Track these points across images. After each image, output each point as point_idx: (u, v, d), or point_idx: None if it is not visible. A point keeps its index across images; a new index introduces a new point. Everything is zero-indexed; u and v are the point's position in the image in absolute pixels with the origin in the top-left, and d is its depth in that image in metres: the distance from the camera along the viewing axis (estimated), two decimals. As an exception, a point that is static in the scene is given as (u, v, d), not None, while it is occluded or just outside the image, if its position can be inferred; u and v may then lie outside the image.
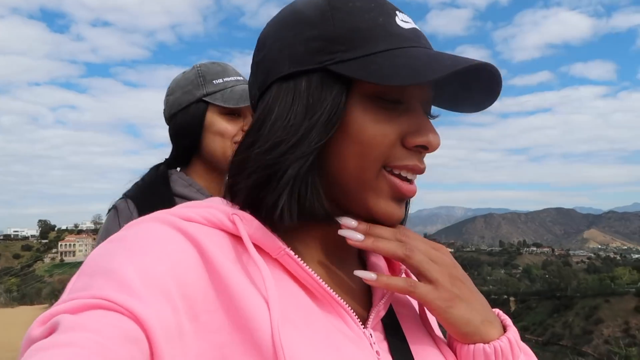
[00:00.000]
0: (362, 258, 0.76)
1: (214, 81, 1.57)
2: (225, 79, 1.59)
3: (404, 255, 0.65)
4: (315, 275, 0.62)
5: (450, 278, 0.66)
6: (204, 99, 1.54)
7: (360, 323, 0.65)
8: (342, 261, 0.71)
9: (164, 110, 1.63)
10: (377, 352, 0.63)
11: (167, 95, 1.62)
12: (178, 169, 1.62)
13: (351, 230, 0.65)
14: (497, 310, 0.73)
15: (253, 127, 0.65)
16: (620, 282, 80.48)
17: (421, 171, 0.67)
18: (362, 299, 0.70)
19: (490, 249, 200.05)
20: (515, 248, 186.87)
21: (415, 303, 0.78)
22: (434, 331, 0.73)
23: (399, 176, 0.65)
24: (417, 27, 0.67)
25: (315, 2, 0.66)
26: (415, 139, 0.64)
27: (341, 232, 0.65)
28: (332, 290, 0.63)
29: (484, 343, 0.66)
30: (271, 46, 0.67)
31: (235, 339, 0.54)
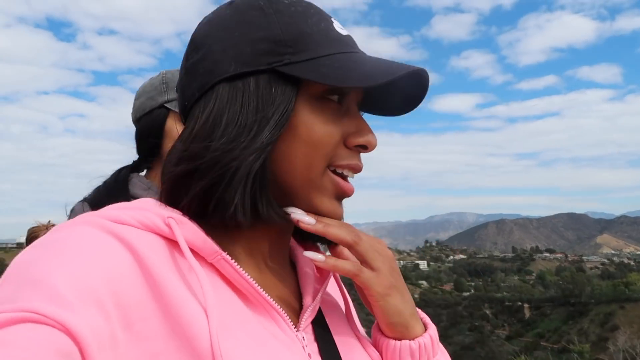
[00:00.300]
0: (293, 265, 0.77)
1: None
2: None
3: (352, 241, 0.68)
4: (251, 279, 0.62)
5: (390, 269, 0.70)
6: (165, 105, 1.57)
7: (293, 326, 0.66)
8: (276, 265, 0.72)
9: (131, 113, 1.66)
10: (309, 354, 0.65)
11: (135, 99, 1.66)
12: (143, 172, 1.65)
13: (303, 214, 0.67)
14: (417, 309, 0.75)
15: (198, 127, 0.63)
16: (634, 287, 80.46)
17: (359, 170, 0.71)
18: (294, 303, 0.71)
19: (503, 255, 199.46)
20: (528, 254, 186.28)
21: (342, 305, 0.81)
22: (358, 331, 0.76)
23: (341, 175, 0.68)
24: (351, 35, 0.71)
25: (256, 4, 0.66)
26: (356, 139, 0.68)
27: (293, 215, 0.66)
28: (266, 294, 0.64)
29: (409, 339, 0.70)
30: (212, 47, 0.66)
31: (170, 347, 0.52)
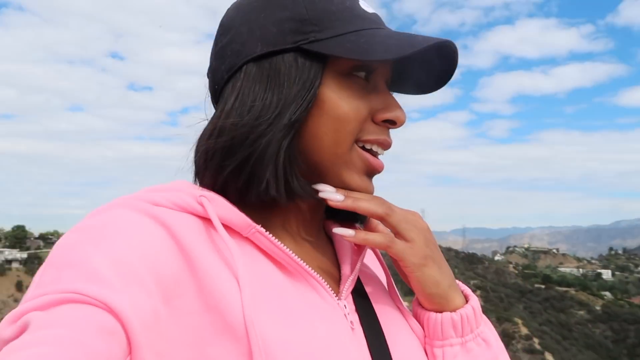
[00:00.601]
0: (331, 240, 0.78)
1: None
2: None
3: (384, 213, 0.68)
4: (288, 249, 0.63)
5: (425, 240, 0.70)
6: None
7: (334, 294, 0.67)
8: (312, 239, 0.73)
9: None
10: (351, 322, 0.66)
11: None
12: None
13: (331, 192, 0.67)
14: (457, 281, 0.75)
15: (229, 107, 0.65)
16: None
17: (389, 145, 0.71)
18: (334, 273, 0.72)
19: None
20: None
21: (383, 278, 0.81)
22: (401, 303, 0.75)
23: (370, 151, 0.69)
24: (377, 13, 0.71)
25: None
26: (384, 114, 0.68)
27: (322, 194, 0.67)
28: (305, 264, 0.65)
29: (450, 310, 0.69)
30: (239, 29, 0.67)
31: (206, 321, 0.54)
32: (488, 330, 0.73)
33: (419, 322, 0.72)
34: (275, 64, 0.64)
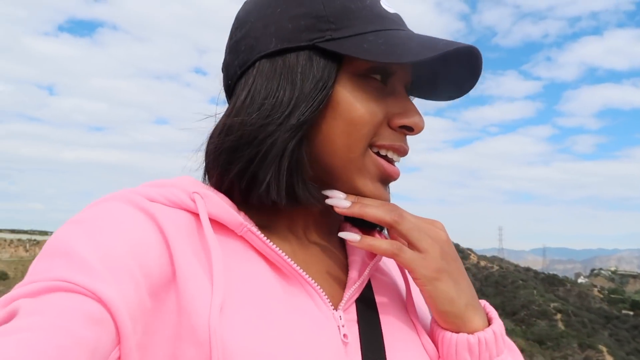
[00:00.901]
0: (344, 245, 0.75)
1: None
2: None
3: (392, 221, 0.64)
4: (280, 251, 0.61)
5: (442, 252, 0.65)
6: None
7: (331, 304, 0.63)
8: (322, 242, 0.70)
9: None
10: (344, 335, 0.61)
11: None
12: None
13: (338, 198, 0.65)
14: (483, 302, 0.70)
15: (239, 104, 0.63)
16: None
17: (405, 152, 0.68)
18: (340, 280, 0.68)
19: None
20: None
21: (403, 290, 0.75)
22: (417, 318, 0.70)
23: (385, 157, 0.66)
24: (399, 13, 0.68)
25: None
26: (401, 120, 0.65)
27: (328, 200, 0.65)
28: (299, 268, 0.62)
29: (468, 332, 0.64)
30: (254, 24, 0.65)
31: (178, 320, 0.53)
32: (511, 358, 0.67)
33: (433, 341, 0.68)
34: (288, 61, 0.62)
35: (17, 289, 0.47)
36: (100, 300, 0.47)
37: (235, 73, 0.67)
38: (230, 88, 0.69)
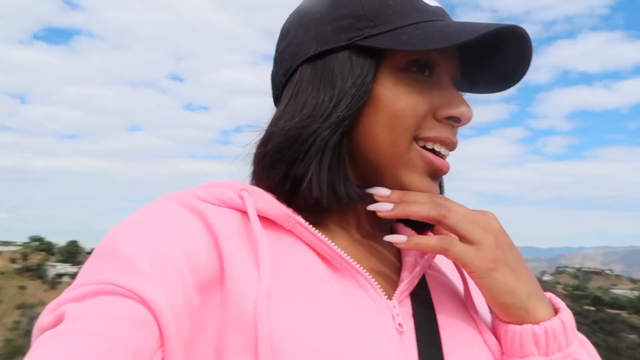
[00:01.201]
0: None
1: None
2: None
3: (439, 215, 0.61)
4: (330, 242, 0.60)
5: (497, 242, 0.62)
6: None
7: (384, 294, 0.61)
8: (373, 240, 0.69)
9: None
10: (399, 324, 0.60)
11: None
12: None
13: (379, 203, 0.64)
14: (547, 293, 0.66)
15: (282, 110, 0.64)
16: None
17: (453, 145, 0.66)
18: (393, 276, 0.67)
19: None
20: None
21: (461, 287, 0.72)
22: (477, 314, 0.67)
23: (432, 151, 0.64)
24: (442, 7, 0.67)
25: None
26: (447, 111, 0.63)
27: (370, 207, 0.64)
28: (351, 259, 0.61)
29: (532, 323, 0.60)
30: (296, 32, 0.67)
31: (224, 311, 0.54)
32: (584, 351, 0.62)
33: (496, 337, 0.64)
34: (329, 63, 0.62)
35: (66, 294, 0.48)
36: (144, 302, 0.48)
37: (280, 82, 0.68)
38: (277, 98, 0.70)
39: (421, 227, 0.72)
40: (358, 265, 0.61)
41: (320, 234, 0.61)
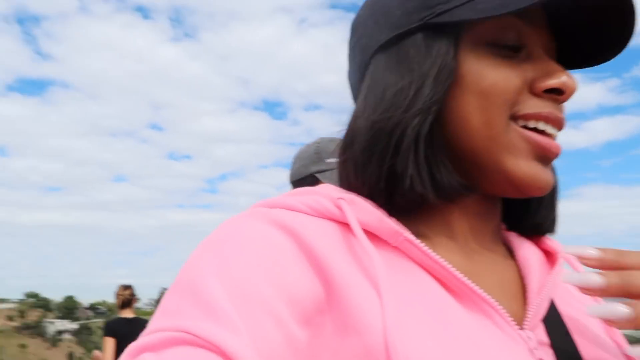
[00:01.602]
0: (510, 251, 0.62)
1: (327, 160, 1.61)
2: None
3: None
4: (446, 263, 0.50)
5: None
6: (315, 174, 1.60)
7: (514, 322, 0.51)
8: (489, 249, 0.59)
9: (289, 174, 1.72)
10: (539, 359, 0.50)
11: (292, 162, 1.71)
12: None
13: (585, 275, 0.46)
14: None
15: (360, 105, 0.58)
16: None
17: (561, 122, 0.56)
18: (516, 295, 0.56)
19: None
20: None
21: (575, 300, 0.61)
22: (622, 344, 0.57)
23: (535, 130, 0.54)
24: None
25: None
26: (545, 82, 0.54)
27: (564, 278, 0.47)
28: (472, 283, 0.51)
29: None
30: (365, 23, 0.62)
31: (344, 343, 0.45)
32: None
33: None
34: (403, 47, 0.56)
35: (144, 338, 0.45)
36: (224, 355, 0.42)
37: (355, 80, 0.63)
38: (356, 99, 0.62)
39: (530, 232, 0.62)
40: (481, 290, 0.51)
41: (432, 252, 0.51)
